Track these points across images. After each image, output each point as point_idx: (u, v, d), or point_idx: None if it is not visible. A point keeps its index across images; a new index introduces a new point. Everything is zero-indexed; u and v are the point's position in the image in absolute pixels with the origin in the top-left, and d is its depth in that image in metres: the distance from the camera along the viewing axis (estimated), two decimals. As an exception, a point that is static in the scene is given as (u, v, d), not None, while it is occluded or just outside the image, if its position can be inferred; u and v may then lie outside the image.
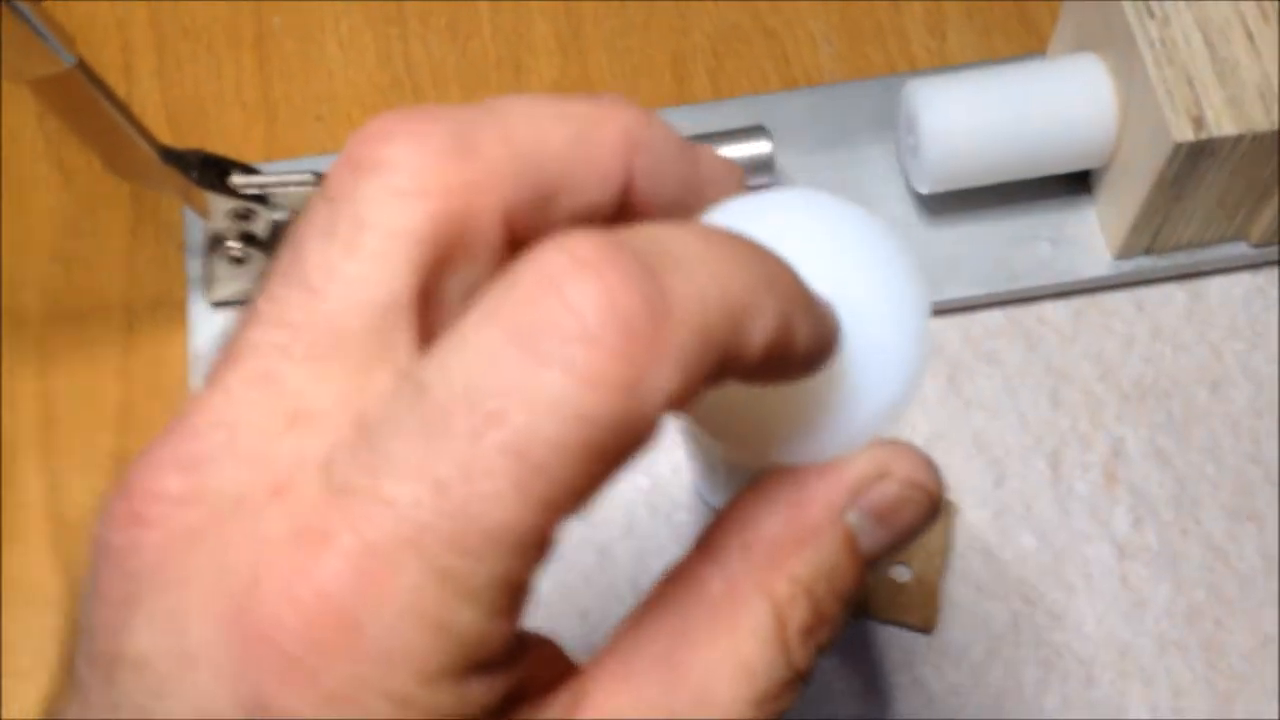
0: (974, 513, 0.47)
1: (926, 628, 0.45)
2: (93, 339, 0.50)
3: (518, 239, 0.22)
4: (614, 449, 0.20)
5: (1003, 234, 0.51)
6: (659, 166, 0.24)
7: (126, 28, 0.56)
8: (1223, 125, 0.44)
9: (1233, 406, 0.49)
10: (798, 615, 0.22)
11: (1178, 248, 0.50)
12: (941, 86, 0.48)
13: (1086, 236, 0.50)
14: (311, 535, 0.19)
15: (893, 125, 0.52)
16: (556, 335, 0.19)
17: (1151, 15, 0.46)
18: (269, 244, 0.47)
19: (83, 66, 0.38)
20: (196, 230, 0.50)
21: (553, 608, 0.46)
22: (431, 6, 0.56)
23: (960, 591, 0.46)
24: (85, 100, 0.39)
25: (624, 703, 0.22)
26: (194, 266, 0.50)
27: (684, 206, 0.25)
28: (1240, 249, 0.50)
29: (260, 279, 0.23)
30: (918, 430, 0.48)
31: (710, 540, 0.23)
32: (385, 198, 0.22)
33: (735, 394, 0.24)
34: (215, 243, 0.47)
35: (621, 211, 0.24)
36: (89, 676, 0.21)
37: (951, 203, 0.51)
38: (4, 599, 0.46)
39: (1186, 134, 0.44)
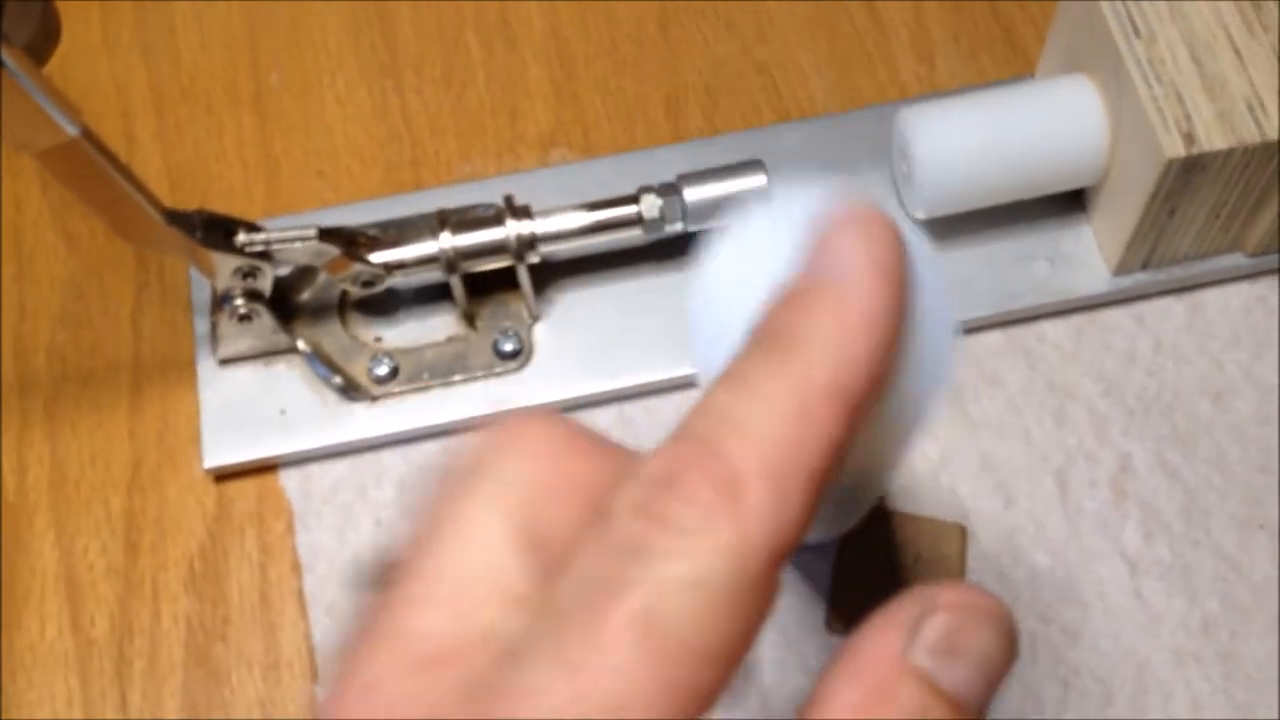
0: (985, 534, 0.47)
1: (945, 652, 0.45)
2: (102, 401, 0.51)
3: None
4: (740, 608, 0.21)
5: (1000, 255, 0.51)
6: None
7: (126, 91, 0.56)
8: (1213, 140, 0.44)
9: (1237, 416, 0.49)
10: None
11: (1174, 261, 0.50)
12: (932, 114, 0.49)
13: (1083, 254, 0.51)
14: None
15: (887, 153, 0.52)
16: (659, 534, 0.22)
17: (1138, 34, 0.46)
18: (273, 300, 0.48)
19: (87, 135, 0.38)
20: (202, 289, 0.51)
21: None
22: (425, 58, 0.57)
23: (976, 613, 0.46)
24: (90, 168, 0.39)
25: None
26: (201, 325, 0.50)
27: None
28: (1237, 259, 0.50)
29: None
30: (925, 454, 0.49)
31: None
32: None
33: None
34: (221, 301, 0.47)
35: None
36: None
37: (948, 227, 0.51)
38: (19, 662, 0.47)
39: (1178, 150, 0.44)
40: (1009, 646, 0.24)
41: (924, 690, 0.23)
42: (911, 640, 0.23)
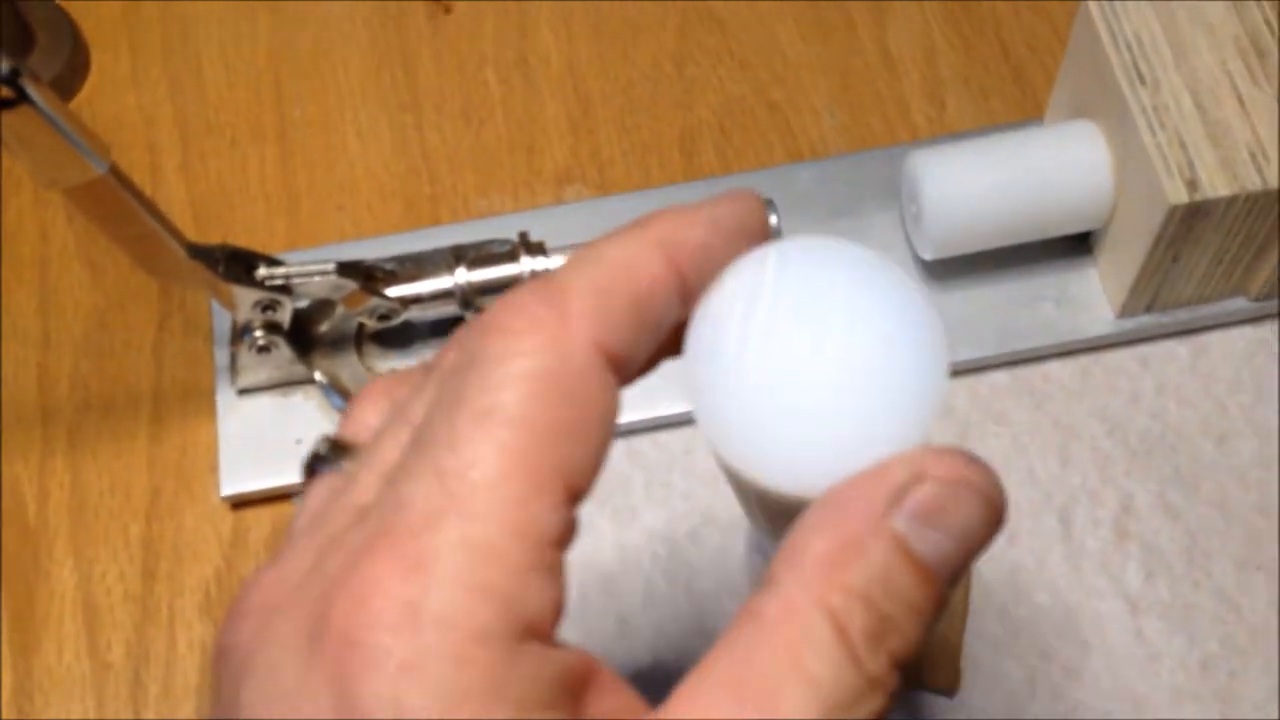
0: (988, 571, 0.48)
1: (951, 690, 0.46)
2: (122, 429, 0.52)
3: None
4: (555, 385, 0.24)
5: (1007, 296, 0.52)
6: (703, 262, 0.27)
7: (153, 125, 0.58)
8: (1216, 187, 0.45)
9: (1239, 459, 0.50)
10: (858, 621, 0.23)
11: (1178, 305, 0.51)
12: (942, 156, 0.49)
13: (1088, 296, 0.52)
14: (358, 556, 0.23)
15: (896, 194, 0.53)
16: (491, 334, 0.25)
17: (1143, 81, 0.47)
18: (292, 332, 0.49)
19: (115, 172, 0.39)
20: (223, 321, 0.52)
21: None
22: (445, 94, 0.58)
23: (978, 651, 0.47)
24: (116, 204, 0.40)
25: None
26: (221, 356, 0.51)
27: None
28: (1239, 303, 0.51)
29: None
30: (931, 492, 0.49)
31: (766, 576, 0.24)
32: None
33: (759, 424, 0.26)
34: (241, 333, 0.48)
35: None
36: None
37: (956, 267, 0.52)
38: (36, 684, 0.48)
39: (1181, 197, 0.45)
40: (993, 521, 0.25)
41: (894, 553, 0.23)
42: (894, 503, 0.24)
